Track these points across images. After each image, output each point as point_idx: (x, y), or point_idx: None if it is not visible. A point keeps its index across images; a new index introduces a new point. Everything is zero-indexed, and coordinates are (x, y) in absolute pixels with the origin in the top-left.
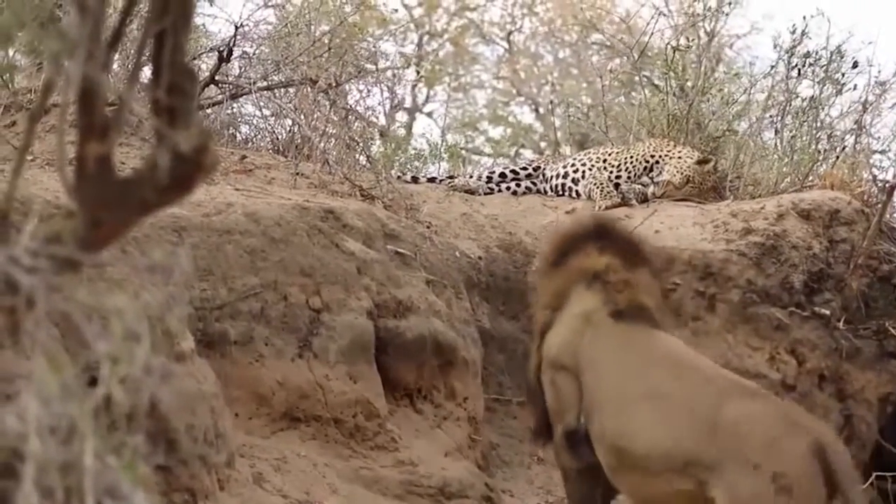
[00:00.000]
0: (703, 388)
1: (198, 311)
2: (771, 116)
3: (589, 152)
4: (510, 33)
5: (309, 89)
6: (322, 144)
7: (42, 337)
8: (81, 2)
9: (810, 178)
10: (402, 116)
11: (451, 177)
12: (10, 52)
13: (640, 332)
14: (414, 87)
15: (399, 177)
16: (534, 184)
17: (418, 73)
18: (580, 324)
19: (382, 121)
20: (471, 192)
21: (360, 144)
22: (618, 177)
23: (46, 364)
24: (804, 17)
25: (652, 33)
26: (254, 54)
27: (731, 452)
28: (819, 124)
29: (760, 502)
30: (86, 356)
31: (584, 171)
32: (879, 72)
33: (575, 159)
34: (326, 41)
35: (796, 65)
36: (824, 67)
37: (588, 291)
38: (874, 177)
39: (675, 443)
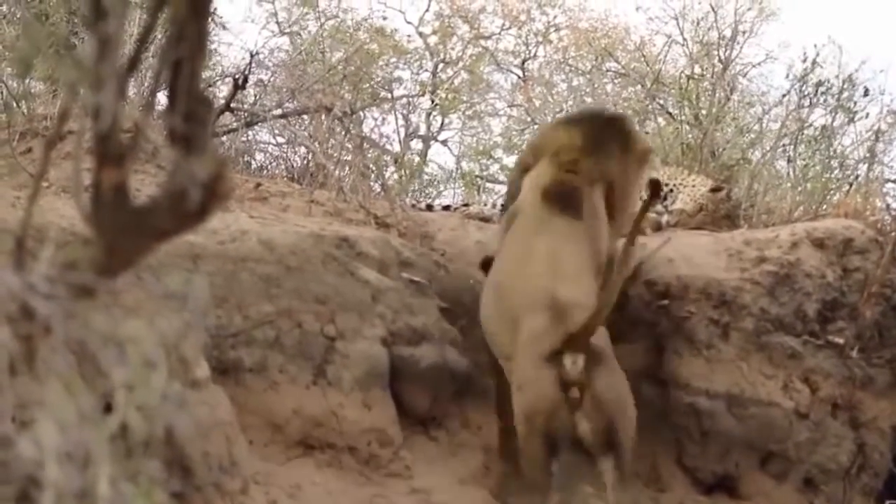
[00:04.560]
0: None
1: (213, 338)
2: (784, 145)
3: None
4: (525, 61)
5: (324, 117)
6: (337, 172)
7: (58, 364)
8: (98, 30)
9: (824, 206)
10: (416, 144)
11: (465, 204)
12: (26, 80)
13: (541, 222)
14: (429, 114)
15: (413, 205)
16: None
17: (433, 100)
18: (525, 193)
19: (397, 148)
20: (486, 219)
21: (375, 172)
22: None
23: (62, 391)
24: (815, 46)
25: (666, 62)
26: (269, 82)
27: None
28: (832, 153)
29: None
30: (102, 383)
31: None
32: (892, 100)
33: None
34: (341, 69)
35: (808, 93)
36: (836, 96)
37: (547, 164)
38: (887, 205)
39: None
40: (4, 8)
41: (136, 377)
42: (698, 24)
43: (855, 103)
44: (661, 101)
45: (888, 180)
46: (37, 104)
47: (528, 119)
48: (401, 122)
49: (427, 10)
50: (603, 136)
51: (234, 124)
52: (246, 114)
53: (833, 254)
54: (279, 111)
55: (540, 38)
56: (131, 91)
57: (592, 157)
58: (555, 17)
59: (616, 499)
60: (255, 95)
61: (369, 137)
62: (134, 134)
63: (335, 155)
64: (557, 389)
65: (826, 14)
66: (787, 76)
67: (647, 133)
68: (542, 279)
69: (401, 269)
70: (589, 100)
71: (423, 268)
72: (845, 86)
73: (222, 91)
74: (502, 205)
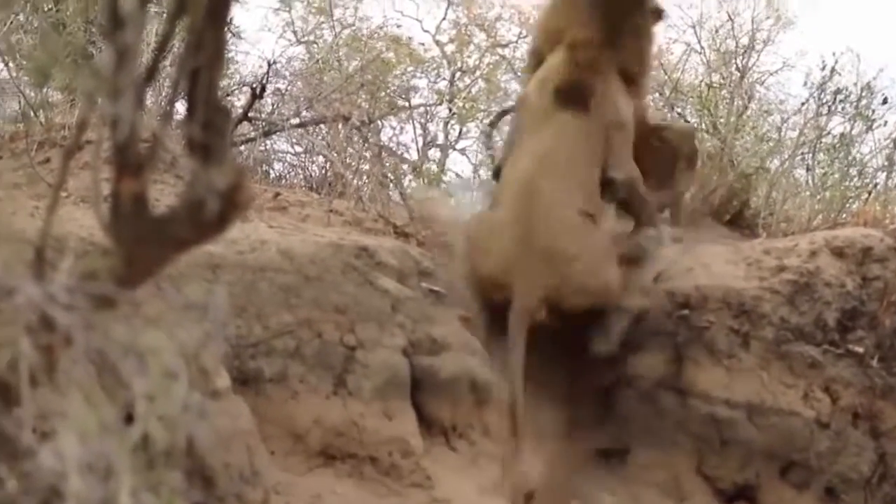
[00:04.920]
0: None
1: (233, 348)
2: (802, 153)
3: None
4: None
5: (341, 126)
6: (355, 181)
7: (79, 374)
8: (115, 39)
9: (843, 214)
10: (434, 153)
11: None
12: (44, 89)
13: (544, 117)
14: (446, 123)
15: None
16: None
17: (451, 109)
18: (533, 84)
19: (415, 157)
20: None
21: (393, 181)
22: None
23: (83, 401)
24: (834, 55)
25: (684, 70)
26: (286, 91)
27: None
28: (851, 161)
29: None
30: (123, 394)
31: None
32: None
33: None
34: (358, 78)
35: (827, 101)
36: (855, 104)
37: (562, 60)
38: None
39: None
40: (22, 17)
41: (156, 388)
42: (716, 32)
43: (873, 111)
44: (680, 110)
45: None
46: (55, 114)
47: None
48: (418, 131)
49: (444, 19)
50: (617, 13)
51: (252, 133)
52: (264, 123)
53: (852, 262)
54: (296, 120)
55: None
56: (149, 101)
57: (610, 48)
58: None
59: None
60: (273, 105)
61: (387, 146)
62: (152, 144)
63: (353, 164)
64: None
65: (844, 22)
66: (805, 84)
67: None
68: (528, 173)
69: (420, 278)
70: None
71: (442, 277)
72: (863, 94)
73: (240, 100)
74: None
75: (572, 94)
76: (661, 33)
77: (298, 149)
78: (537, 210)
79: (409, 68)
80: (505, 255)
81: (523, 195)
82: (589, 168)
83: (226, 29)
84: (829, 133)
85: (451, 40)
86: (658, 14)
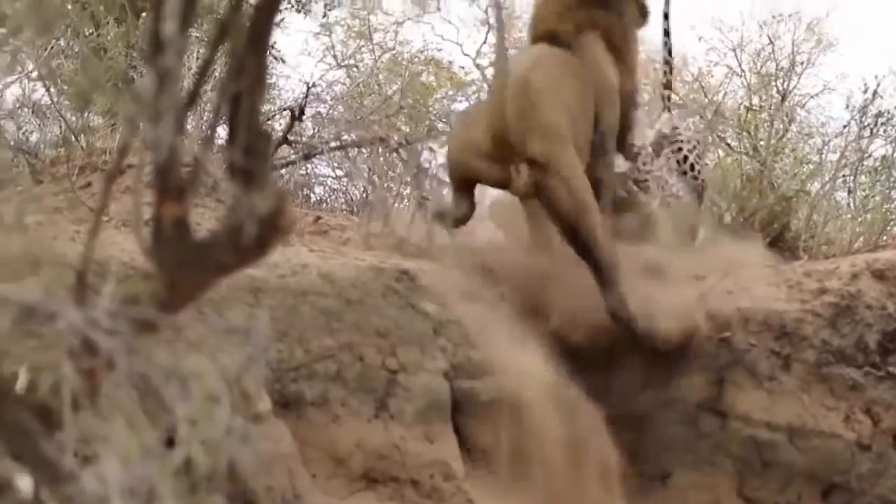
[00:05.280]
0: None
1: (274, 372)
2: (844, 176)
3: None
4: None
5: (381, 149)
6: (396, 205)
7: (121, 399)
8: (156, 63)
9: (884, 237)
10: None
11: None
12: (85, 114)
13: (529, 50)
14: None
15: None
16: None
17: None
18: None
19: None
20: None
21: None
22: None
23: (126, 426)
24: (876, 77)
25: (725, 93)
26: (326, 114)
27: None
28: (892, 183)
29: None
30: (165, 418)
31: None
32: None
33: None
34: (398, 101)
35: (868, 124)
36: None
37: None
38: None
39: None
40: (62, 42)
41: (199, 412)
42: (757, 55)
43: None
44: (721, 133)
45: None
46: (96, 138)
47: None
48: None
49: (484, 42)
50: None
51: (292, 157)
52: (304, 146)
53: (893, 285)
54: (336, 143)
55: None
56: (190, 125)
57: (588, 10)
58: None
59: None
60: (313, 128)
61: (427, 170)
62: (194, 168)
63: (394, 187)
64: None
65: (885, 45)
66: (847, 107)
67: (706, 164)
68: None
69: (462, 301)
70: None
71: (485, 300)
72: None
73: (280, 124)
74: None
75: (551, 38)
76: (701, 56)
77: (339, 172)
78: (533, 90)
79: (450, 92)
80: (505, 124)
81: (517, 84)
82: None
83: (267, 54)
84: (870, 156)
85: (492, 64)
86: (643, 11)
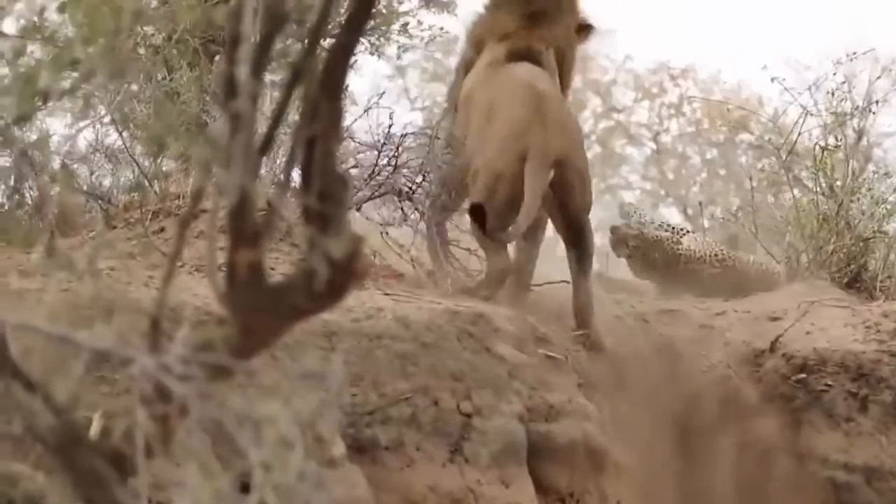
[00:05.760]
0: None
1: (348, 416)
2: None
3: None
4: (657, 134)
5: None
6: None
7: (194, 444)
8: (230, 108)
9: None
10: None
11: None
12: (159, 159)
13: (503, 67)
14: None
15: None
16: None
17: None
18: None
19: None
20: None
21: None
22: None
23: (199, 471)
24: None
25: (800, 133)
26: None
27: None
28: None
29: None
30: (238, 463)
31: None
32: None
33: None
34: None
35: None
36: None
37: (496, 47)
38: None
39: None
40: (135, 87)
41: (272, 457)
42: (832, 94)
43: None
44: (796, 173)
45: None
46: (169, 183)
47: (662, 192)
48: None
49: None
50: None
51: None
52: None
53: None
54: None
55: (673, 111)
56: (265, 169)
57: (541, 30)
58: (687, 88)
59: (578, 285)
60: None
61: None
62: (268, 213)
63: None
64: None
65: None
66: None
67: (782, 205)
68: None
69: (537, 344)
70: (722, 172)
71: (558, 343)
72: None
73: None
74: None
75: (525, 55)
76: (776, 96)
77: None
78: (542, 94)
79: None
80: (519, 125)
81: (527, 89)
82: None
83: (342, 97)
84: None
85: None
86: (586, 29)
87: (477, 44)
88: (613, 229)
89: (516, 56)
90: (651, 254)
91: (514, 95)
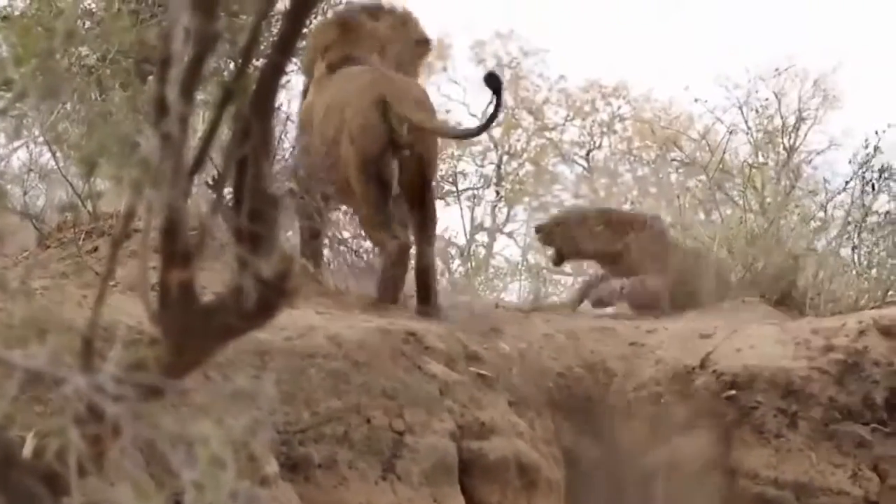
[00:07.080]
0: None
1: (281, 434)
2: (849, 232)
3: None
4: (589, 152)
5: None
6: None
7: (128, 464)
8: (161, 128)
9: (890, 293)
10: (482, 237)
11: None
12: (92, 179)
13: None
14: (494, 207)
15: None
16: None
17: (498, 192)
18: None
19: (463, 241)
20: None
21: (442, 266)
22: None
23: (132, 491)
24: (877, 133)
25: (725, 151)
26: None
27: None
28: None
29: None
30: (171, 483)
31: None
32: None
33: None
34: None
35: (870, 180)
36: None
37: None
38: None
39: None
40: (68, 107)
41: (205, 476)
42: (763, 111)
43: None
44: (726, 191)
45: None
46: (102, 203)
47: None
48: (466, 214)
49: (491, 103)
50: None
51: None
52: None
53: None
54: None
55: (604, 129)
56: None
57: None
58: (619, 107)
59: (421, 250)
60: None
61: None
62: (200, 232)
63: None
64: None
65: (890, 100)
66: (850, 163)
67: (711, 222)
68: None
69: (468, 362)
70: (654, 190)
71: (489, 361)
72: None
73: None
74: None
75: (346, 62)
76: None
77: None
78: (375, 76)
79: (457, 152)
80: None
81: (356, 78)
82: None
83: (273, 117)
84: (875, 212)
85: (499, 124)
86: (424, 43)
87: (308, 68)
88: (537, 228)
89: (337, 65)
90: (579, 231)
91: (346, 87)
